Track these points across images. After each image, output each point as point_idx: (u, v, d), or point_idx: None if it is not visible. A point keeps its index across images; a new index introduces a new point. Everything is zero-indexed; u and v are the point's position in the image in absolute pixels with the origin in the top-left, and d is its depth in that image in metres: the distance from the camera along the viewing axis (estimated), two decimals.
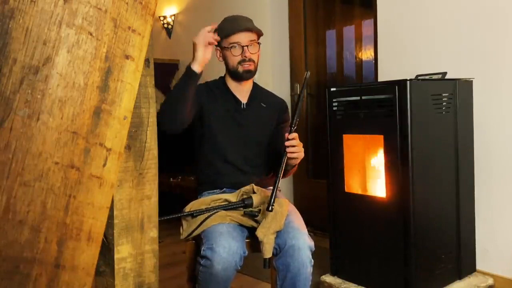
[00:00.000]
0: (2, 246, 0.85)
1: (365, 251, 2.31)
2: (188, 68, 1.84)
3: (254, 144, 2.04)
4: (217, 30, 2.02)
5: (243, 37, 1.97)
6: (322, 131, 2.58)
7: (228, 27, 1.98)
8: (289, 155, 1.77)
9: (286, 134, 1.79)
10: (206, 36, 1.83)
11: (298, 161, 1.86)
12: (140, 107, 1.06)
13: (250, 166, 2.03)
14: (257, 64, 2.03)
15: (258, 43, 2.02)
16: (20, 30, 0.83)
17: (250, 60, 1.98)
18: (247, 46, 1.96)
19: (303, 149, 1.83)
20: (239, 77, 2.01)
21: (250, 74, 2.01)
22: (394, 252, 2.16)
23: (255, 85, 2.13)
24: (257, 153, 2.05)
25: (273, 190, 1.70)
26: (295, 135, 1.79)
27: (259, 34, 2.03)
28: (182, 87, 1.85)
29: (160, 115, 1.70)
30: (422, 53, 2.66)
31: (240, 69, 1.98)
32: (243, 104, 2.06)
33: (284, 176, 2.08)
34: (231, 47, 1.97)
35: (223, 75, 2.12)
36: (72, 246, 0.93)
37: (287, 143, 1.77)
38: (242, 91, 2.07)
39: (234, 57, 1.98)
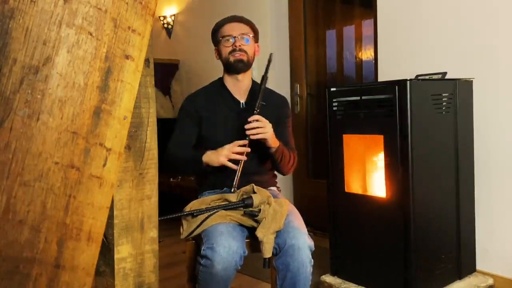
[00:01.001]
0: (2, 246, 0.85)
1: (365, 251, 2.31)
2: (201, 162, 1.93)
3: (254, 143, 2.03)
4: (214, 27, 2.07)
5: (233, 29, 2.00)
6: (322, 131, 2.58)
7: (221, 20, 2.04)
8: (252, 137, 1.85)
9: (250, 118, 1.86)
10: (231, 152, 1.89)
11: (268, 139, 1.89)
12: (140, 107, 1.06)
13: (251, 164, 2.02)
14: (252, 57, 2.04)
15: (253, 37, 2.04)
16: (20, 30, 0.83)
17: (241, 50, 1.99)
18: (237, 37, 1.99)
19: (268, 126, 1.88)
20: (232, 68, 2.02)
21: (242, 64, 2.01)
22: (394, 252, 2.16)
23: (254, 84, 2.12)
24: (258, 151, 2.04)
25: (237, 169, 1.83)
26: (256, 117, 1.86)
27: (253, 29, 2.05)
28: (191, 167, 2.05)
29: (168, 164, 2.00)
30: (422, 53, 2.66)
31: (232, 59, 1.99)
32: (242, 103, 2.06)
33: (280, 167, 2.05)
34: (223, 39, 2.01)
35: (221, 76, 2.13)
36: (72, 246, 0.93)
37: (246, 126, 1.85)
38: (240, 90, 2.07)
39: (226, 48, 2.01)
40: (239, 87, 2.06)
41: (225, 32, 2.00)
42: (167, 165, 2.05)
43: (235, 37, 1.99)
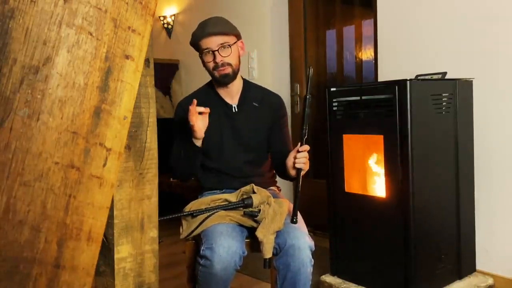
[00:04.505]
0: (2, 246, 0.85)
1: (365, 251, 2.31)
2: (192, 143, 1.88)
3: (250, 146, 2.01)
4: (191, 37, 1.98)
5: (211, 42, 1.90)
6: (322, 131, 2.58)
7: (197, 33, 1.93)
8: (297, 165, 1.77)
9: (298, 147, 1.78)
10: (190, 113, 1.78)
11: (303, 172, 1.82)
12: (140, 107, 1.06)
13: (248, 169, 2.01)
14: (237, 64, 1.96)
15: (234, 41, 1.94)
16: (20, 30, 0.83)
17: (224, 64, 1.91)
18: (217, 50, 1.89)
19: (308, 162, 1.81)
20: (219, 82, 1.97)
21: (228, 78, 1.94)
22: (394, 252, 2.16)
23: (245, 84, 2.06)
24: (254, 155, 2.02)
25: (294, 204, 1.77)
26: (306, 147, 1.78)
27: (231, 34, 1.93)
28: (185, 155, 1.93)
29: (179, 175, 2.04)
30: (422, 53, 2.66)
31: (217, 74, 1.93)
32: (234, 107, 2.01)
33: (286, 178, 2.04)
34: (203, 54, 1.93)
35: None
36: (72, 246, 0.93)
37: (298, 155, 1.77)
38: (231, 93, 2.01)
39: (208, 63, 1.93)
40: (230, 91, 2.01)
41: (204, 46, 1.91)
42: (178, 176, 2.10)
43: (214, 51, 1.90)
